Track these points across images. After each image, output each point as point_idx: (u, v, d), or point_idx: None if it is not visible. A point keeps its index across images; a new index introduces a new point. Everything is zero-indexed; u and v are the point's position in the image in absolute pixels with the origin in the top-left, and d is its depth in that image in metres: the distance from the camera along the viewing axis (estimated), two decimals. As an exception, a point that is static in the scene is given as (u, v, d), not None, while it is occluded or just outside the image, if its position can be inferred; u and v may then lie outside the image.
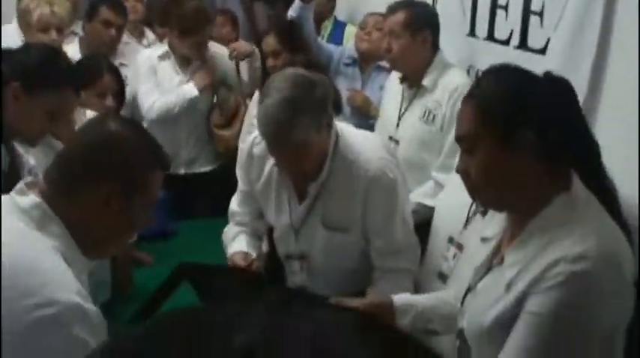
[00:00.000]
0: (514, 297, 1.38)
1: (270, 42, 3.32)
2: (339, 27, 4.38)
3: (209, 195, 3.79)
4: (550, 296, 1.33)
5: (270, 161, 2.19)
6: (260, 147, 2.23)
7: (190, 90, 3.61)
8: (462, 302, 1.59)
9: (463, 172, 1.47)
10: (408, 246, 2.22)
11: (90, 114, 2.65)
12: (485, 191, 1.47)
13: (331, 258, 2.24)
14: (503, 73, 1.50)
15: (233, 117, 3.69)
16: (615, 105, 2.28)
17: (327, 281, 2.28)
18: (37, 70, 1.95)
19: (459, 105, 2.53)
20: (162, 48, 3.68)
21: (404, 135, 2.89)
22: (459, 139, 1.49)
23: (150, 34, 4.50)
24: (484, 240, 1.60)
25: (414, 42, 2.83)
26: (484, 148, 1.42)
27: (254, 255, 2.32)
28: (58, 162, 1.44)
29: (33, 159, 2.13)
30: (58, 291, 1.27)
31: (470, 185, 1.48)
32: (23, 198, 1.38)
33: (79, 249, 1.39)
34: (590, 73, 2.32)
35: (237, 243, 2.35)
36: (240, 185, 2.38)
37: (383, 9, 3.10)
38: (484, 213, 1.87)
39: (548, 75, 1.47)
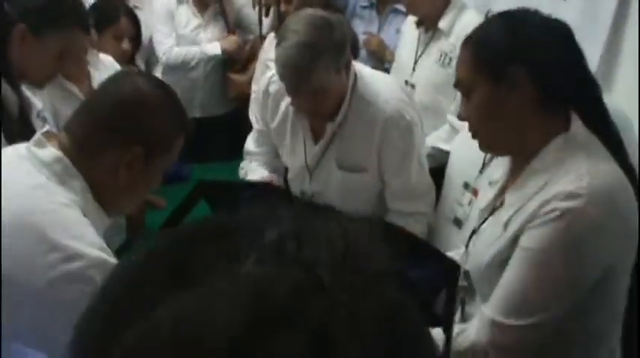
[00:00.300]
0: (510, 236, 1.40)
1: None
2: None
3: (224, 138, 3.82)
4: (541, 232, 1.34)
5: (286, 100, 2.18)
6: (275, 86, 2.23)
7: (213, 49, 3.60)
8: (467, 245, 1.60)
9: (464, 118, 1.49)
10: (422, 188, 2.23)
11: (103, 57, 2.63)
12: (484, 134, 1.48)
13: (345, 199, 2.22)
14: (505, 17, 1.48)
15: (249, 61, 3.66)
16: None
17: None
18: (43, 10, 1.90)
19: None
20: (180, -10, 3.63)
21: (420, 79, 2.84)
22: (456, 85, 1.50)
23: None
24: (491, 183, 1.61)
25: None
26: (479, 92, 1.43)
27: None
28: (81, 117, 1.41)
29: (40, 101, 2.12)
30: (84, 246, 1.27)
31: (471, 129, 1.49)
32: (44, 151, 1.36)
33: (98, 206, 1.39)
34: (611, 20, 2.25)
35: (257, 173, 2.38)
36: (255, 124, 2.39)
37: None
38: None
39: (549, 20, 1.45)
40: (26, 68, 1.91)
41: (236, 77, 3.71)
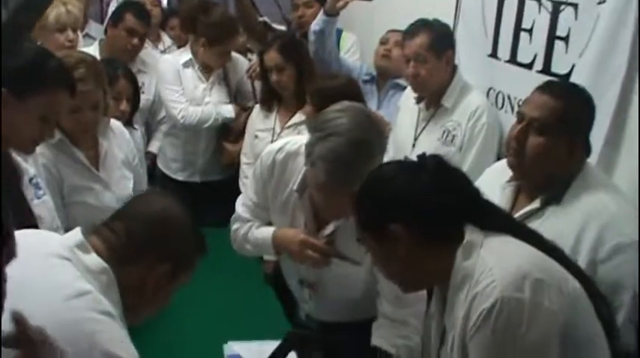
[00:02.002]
0: (457, 351, 1.48)
1: (273, 56, 3.30)
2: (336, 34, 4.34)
3: (220, 203, 3.80)
4: (479, 338, 1.41)
5: (289, 181, 2.17)
6: (281, 159, 2.20)
7: (229, 111, 3.64)
8: None
9: (374, 262, 1.69)
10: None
11: (113, 123, 2.63)
12: (398, 280, 1.63)
13: (340, 286, 2.22)
14: (373, 174, 1.63)
15: (242, 132, 3.70)
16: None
17: (334, 309, 2.27)
18: (26, 73, 1.82)
19: (478, 125, 2.59)
20: (186, 55, 3.68)
21: None
22: (357, 240, 1.66)
23: (166, 39, 4.51)
24: (432, 315, 1.69)
25: (439, 63, 2.80)
26: (373, 249, 1.60)
27: None
28: (116, 228, 1.46)
29: (33, 168, 2.08)
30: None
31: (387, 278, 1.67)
32: (89, 257, 1.40)
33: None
34: (617, 99, 2.28)
35: (265, 228, 2.31)
36: (253, 197, 2.32)
37: (381, 16, 3.06)
38: None
39: (414, 166, 1.58)
40: (11, 133, 1.83)
41: (229, 146, 3.74)
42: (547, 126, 1.93)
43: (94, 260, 1.40)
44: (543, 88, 2.01)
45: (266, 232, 2.29)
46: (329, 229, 2.16)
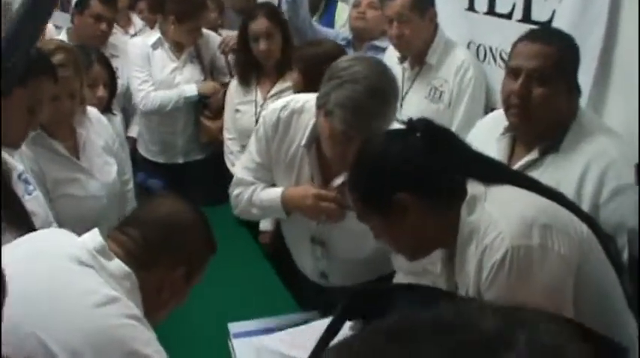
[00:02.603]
0: None
1: (262, 23, 3.23)
2: (331, 5, 4.29)
3: (203, 183, 3.79)
4: (496, 287, 1.40)
5: (295, 138, 2.15)
6: (285, 116, 2.18)
7: (190, 90, 3.58)
8: None
9: (378, 237, 1.63)
10: None
11: (90, 111, 2.57)
12: (404, 250, 1.62)
13: (352, 243, 2.19)
14: (368, 152, 1.59)
15: (221, 108, 3.65)
16: (628, 79, 2.22)
17: (346, 268, 2.24)
18: (4, 67, 1.74)
19: (465, 80, 2.56)
20: (154, 36, 3.62)
21: (409, 115, 2.80)
22: (358, 219, 1.63)
23: (137, 21, 4.42)
24: (440, 276, 1.68)
25: (422, 22, 2.78)
26: (379, 224, 1.57)
27: None
28: (132, 233, 1.48)
29: (20, 163, 2.02)
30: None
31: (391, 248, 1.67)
32: (112, 264, 1.41)
33: None
34: (602, 41, 2.27)
35: (272, 189, 2.27)
36: (256, 158, 2.28)
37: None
38: None
39: (408, 133, 1.55)
40: (3, 131, 1.77)
41: (208, 123, 3.69)
42: (547, 74, 1.91)
43: (117, 265, 1.42)
44: (531, 37, 1.98)
45: (274, 193, 2.25)
46: (338, 181, 2.13)
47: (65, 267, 1.38)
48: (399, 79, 2.87)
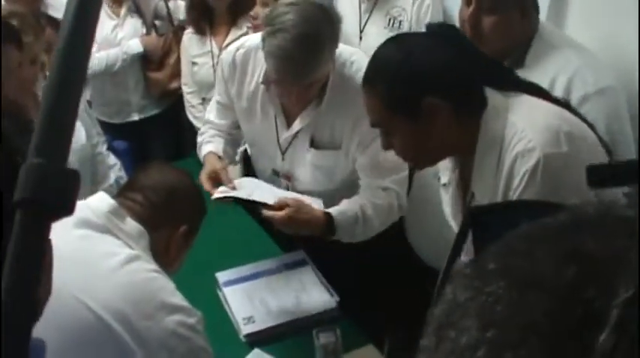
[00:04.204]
0: None
1: None
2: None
3: (163, 138, 3.75)
4: (527, 189, 1.40)
5: (254, 75, 2.14)
6: (242, 55, 2.17)
7: (135, 46, 3.48)
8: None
9: (388, 149, 1.58)
10: (393, 164, 2.12)
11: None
12: (421, 160, 1.59)
13: (318, 178, 2.21)
14: (396, 50, 1.52)
15: (164, 57, 3.58)
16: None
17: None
18: None
19: (423, 7, 2.54)
20: (90, -7, 3.48)
21: (370, 47, 2.67)
22: (373, 126, 1.58)
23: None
24: (444, 185, 1.69)
25: None
26: (401, 130, 1.50)
27: (227, 161, 2.31)
28: (137, 198, 1.58)
29: None
30: (191, 306, 1.49)
31: (404, 158, 1.63)
32: (128, 224, 1.50)
33: None
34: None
35: (212, 144, 2.32)
36: (218, 97, 2.32)
37: None
38: None
39: (437, 35, 1.52)
40: None
41: (154, 75, 3.62)
42: (496, 2, 1.90)
43: (132, 225, 1.50)
44: None
45: (204, 151, 2.31)
46: (297, 124, 2.14)
47: (76, 231, 1.43)
48: (356, 12, 2.87)
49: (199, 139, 2.38)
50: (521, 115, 1.47)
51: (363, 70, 2.03)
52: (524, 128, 1.44)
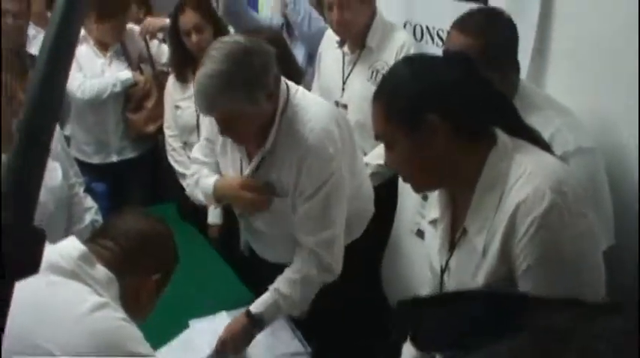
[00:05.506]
0: (494, 257, 1.43)
1: (190, 17, 3.13)
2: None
3: (141, 182, 3.73)
4: (536, 247, 1.37)
5: None
6: None
7: (126, 75, 3.51)
8: (440, 287, 1.61)
9: (390, 166, 1.57)
10: (323, 222, 2.14)
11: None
12: (417, 179, 1.55)
13: (272, 222, 2.25)
14: (409, 64, 1.53)
15: (143, 99, 3.58)
16: (566, 47, 2.30)
17: (272, 246, 2.32)
18: None
19: None
20: (78, 32, 3.50)
21: (352, 99, 2.83)
22: (377, 138, 1.56)
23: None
24: (433, 222, 1.65)
25: (362, 6, 2.77)
26: (400, 143, 1.49)
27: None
28: (106, 244, 1.57)
29: None
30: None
31: (402, 176, 1.58)
32: (97, 271, 1.49)
33: None
34: (539, 9, 2.31)
35: (215, 176, 2.33)
36: (206, 134, 2.36)
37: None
38: (424, 198, 1.96)
39: (451, 58, 1.55)
40: None
41: (133, 116, 3.63)
42: (476, 62, 1.90)
43: (101, 271, 1.49)
44: (460, 27, 1.97)
45: (210, 181, 2.31)
46: (256, 160, 2.18)
47: (47, 280, 1.41)
48: (339, 64, 2.89)
49: (194, 177, 2.39)
50: (529, 158, 1.45)
51: (315, 120, 2.10)
52: (531, 171, 1.41)
